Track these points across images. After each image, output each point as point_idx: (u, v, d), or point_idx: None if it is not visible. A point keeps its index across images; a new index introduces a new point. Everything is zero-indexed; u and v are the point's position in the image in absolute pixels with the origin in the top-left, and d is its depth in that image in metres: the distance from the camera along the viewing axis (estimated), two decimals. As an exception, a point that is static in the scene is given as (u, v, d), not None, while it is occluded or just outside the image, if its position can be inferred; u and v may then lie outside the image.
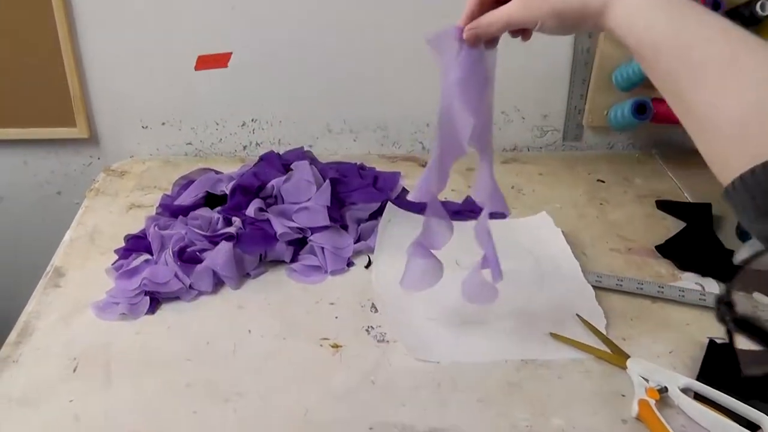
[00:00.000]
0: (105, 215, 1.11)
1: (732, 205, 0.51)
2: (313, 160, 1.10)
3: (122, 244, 1.01)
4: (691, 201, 1.16)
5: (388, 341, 0.85)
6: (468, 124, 0.73)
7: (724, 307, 0.27)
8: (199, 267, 0.93)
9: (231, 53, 1.20)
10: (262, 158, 1.11)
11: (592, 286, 0.94)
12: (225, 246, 0.94)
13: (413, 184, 1.18)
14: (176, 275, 0.91)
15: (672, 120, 1.16)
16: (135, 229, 1.04)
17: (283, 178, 1.02)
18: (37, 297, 0.93)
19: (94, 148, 1.29)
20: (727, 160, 0.51)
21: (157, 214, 1.06)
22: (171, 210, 1.04)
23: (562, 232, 1.05)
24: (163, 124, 1.27)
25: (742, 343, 0.28)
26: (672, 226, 1.09)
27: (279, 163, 1.08)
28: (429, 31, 0.73)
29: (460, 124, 0.74)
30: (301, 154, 1.13)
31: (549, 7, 0.63)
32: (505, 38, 1.15)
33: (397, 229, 1.03)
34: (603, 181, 1.22)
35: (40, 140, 1.27)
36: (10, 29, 1.16)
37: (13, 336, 0.86)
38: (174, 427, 0.74)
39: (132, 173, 1.23)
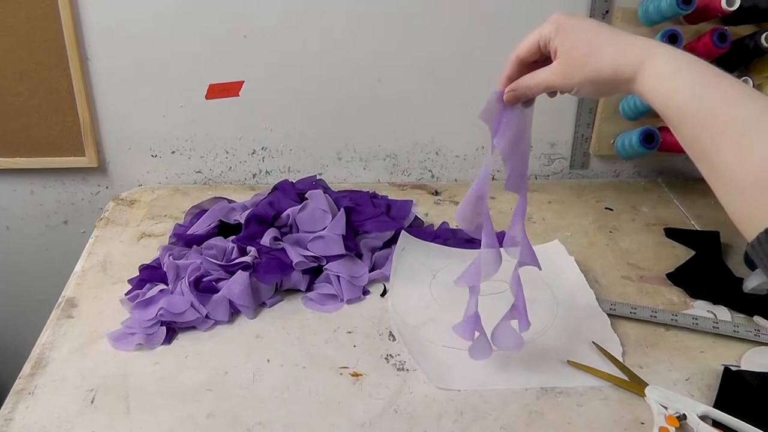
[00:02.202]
0: (116, 245, 1.10)
1: (757, 259, 0.53)
2: (325, 189, 1.10)
3: (135, 273, 1.00)
4: (698, 228, 1.17)
5: (407, 369, 0.85)
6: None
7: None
8: (215, 297, 0.92)
9: (242, 82, 1.21)
10: (276, 187, 1.11)
11: (607, 314, 0.94)
12: (241, 276, 0.94)
13: (424, 212, 1.19)
14: (192, 305, 0.91)
15: (678, 149, 1.18)
16: (147, 258, 1.03)
17: (299, 207, 1.03)
18: (50, 328, 0.92)
19: (101, 177, 1.29)
20: (751, 217, 0.53)
21: (170, 243, 1.06)
22: (185, 239, 1.04)
23: (575, 260, 1.05)
24: (173, 152, 1.27)
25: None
26: (681, 254, 1.10)
27: (293, 191, 1.08)
28: (479, 109, 0.77)
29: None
30: (314, 182, 1.14)
31: (583, 76, 0.67)
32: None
33: (411, 258, 1.04)
34: (611, 209, 1.23)
35: (47, 169, 1.27)
36: (19, 57, 1.17)
37: (27, 368, 0.85)
38: (197, 459, 0.73)
39: (141, 202, 1.23)
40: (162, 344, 0.89)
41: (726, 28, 1.09)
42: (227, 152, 1.27)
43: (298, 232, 1.02)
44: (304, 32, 1.18)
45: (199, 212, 1.10)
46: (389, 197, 1.20)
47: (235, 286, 0.93)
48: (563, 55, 0.69)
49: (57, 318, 0.94)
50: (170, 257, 0.98)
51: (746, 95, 0.56)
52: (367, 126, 1.27)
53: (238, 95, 1.22)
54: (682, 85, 0.60)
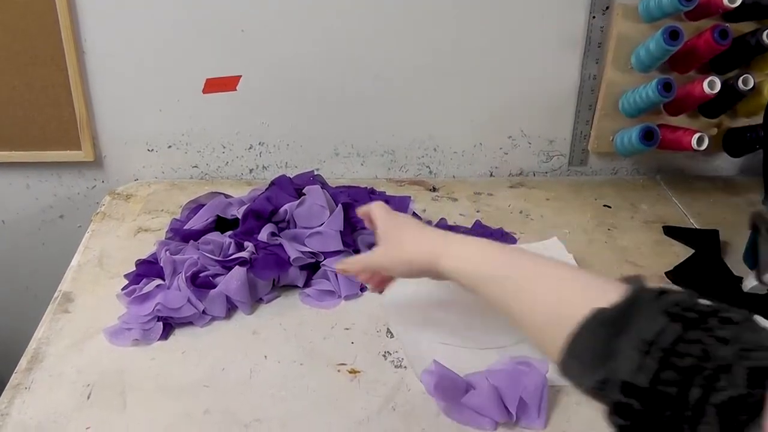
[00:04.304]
0: (112, 239, 1.10)
1: (569, 377, 0.64)
2: (323, 184, 1.09)
3: (131, 268, 1.00)
4: (697, 227, 1.17)
5: (405, 367, 0.85)
6: None
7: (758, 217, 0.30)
8: (212, 292, 0.92)
9: (240, 76, 1.20)
10: (273, 182, 1.10)
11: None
12: (238, 271, 0.93)
13: (422, 208, 1.18)
14: (189, 300, 0.90)
15: (677, 147, 1.18)
16: (143, 253, 1.03)
17: (296, 202, 1.02)
18: (46, 323, 0.92)
19: (97, 171, 1.28)
20: (553, 346, 0.66)
21: (167, 238, 1.05)
22: (182, 234, 1.03)
23: (573, 257, 1.05)
24: (170, 147, 1.26)
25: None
26: (680, 252, 1.10)
27: (291, 187, 1.08)
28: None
29: None
30: (312, 178, 1.13)
31: (393, 258, 0.82)
32: (516, 64, 1.17)
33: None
34: (609, 207, 1.22)
35: (43, 163, 1.26)
36: (15, 50, 1.16)
37: (23, 363, 0.85)
38: (194, 456, 0.73)
39: (138, 196, 1.22)
40: (158, 340, 0.88)
41: (727, 24, 1.08)
42: (224, 147, 1.27)
43: (295, 227, 1.01)
44: (302, 27, 1.17)
45: (196, 207, 1.09)
46: (387, 193, 1.20)
47: (232, 281, 0.92)
48: (380, 239, 0.84)
49: (53, 313, 0.93)
50: (167, 252, 0.97)
51: (529, 260, 0.72)
52: (365, 122, 1.26)
53: (236, 90, 1.22)
54: (479, 261, 0.75)
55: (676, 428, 0.54)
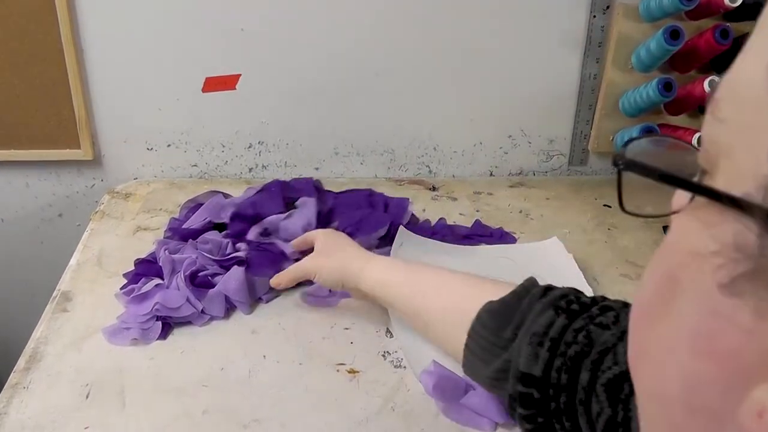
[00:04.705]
0: (111, 238, 1.09)
1: (471, 373, 0.74)
2: (320, 190, 1.09)
3: (130, 267, 0.99)
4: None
5: (404, 367, 0.85)
6: None
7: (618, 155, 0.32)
8: (211, 292, 0.92)
9: (239, 75, 1.20)
10: (264, 188, 1.10)
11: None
12: (237, 271, 0.93)
13: (422, 207, 1.18)
14: (188, 300, 0.90)
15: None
16: (142, 252, 1.02)
17: (283, 216, 1.02)
18: (44, 322, 0.91)
19: (96, 170, 1.28)
20: (456, 350, 0.75)
21: (165, 237, 1.05)
22: (180, 234, 1.03)
23: (573, 257, 1.05)
24: (169, 145, 1.26)
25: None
26: (680, 251, 1.10)
27: (280, 197, 1.07)
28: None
29: None
30: (310, 185, 1.12)
31: (322, 262, 0.89)
32: (516, 63, 1.17)
33: (408, 254, 1.03)
34: (609, 206, 1.22)
35: (42, 161, 1.25)
36: (14, 48, 1.15)
37: (21, 362, 0.85)
38: (192, 456, 0.72)
39: (137, 195, 1.22)
40: (157, 339, 0.88)
41: (728, 24, 1.08)
42: (223, 146, 1.26)
43: (277, 239, 1.02)
44: (301, 26, 1.17)
45: (194, 206, 1.09)
46: (386, 194, 1.20)
47: (231, 281, 0.92)
48: (317, 249, 0.92)
49: (52, 312, 0.93)
50: (166, 251, 0.97)
51: (433, 272, 0.82)
52: (365, 121, 1.26)
53: (235, 89, 1.21)
54: (392, 275, 0.84)
55: (571, 411, 0.60)
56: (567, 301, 0.65)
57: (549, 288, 0.70)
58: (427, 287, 0.80)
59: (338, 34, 1.18)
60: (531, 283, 0.71)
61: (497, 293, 0.72)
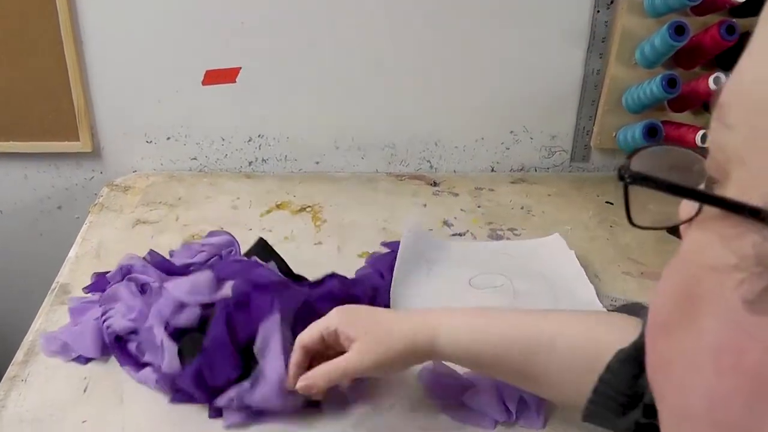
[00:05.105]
0: (110, 231, 1.09)
1: (599, 422, 0.65)
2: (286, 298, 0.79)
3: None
4: (699, 224, 1.16)
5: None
6: None
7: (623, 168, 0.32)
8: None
9: (240, 68, 1.19)
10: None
11: (607, 309, 0.93)
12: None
13: (423, 203, 1.18)
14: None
15: (680, 143, 1.17)
16: (141, 245, 1.01)
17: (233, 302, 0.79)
18: (43, 314, 0.91)
19: (95, 162, 1.27)
20: (575, 399, 0.65)
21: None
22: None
23: (575, 254, 1.04)
24: (168, 138, 1.25)
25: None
26: (682, 249, 1.09)
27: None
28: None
29: None
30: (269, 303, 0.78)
31: (380, 353, 0.68)
32: (518, 58, 1.15)
33: (416, 247, 1.01)
34: (611, 203, 1.21)
35: (41, 154, 1.25)
36: (13, 41, 1.14)
37: (20, 355, 0.84)
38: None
39: (136, 188, 1.21)
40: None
41: (734, 20, 1.07)
42: (223, 139, 1.26)
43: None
44: (302, 19, 1.16)
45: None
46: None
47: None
48: (357, 337, 0.69)
49: (50, 304, 0.92)
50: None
51: (530, 319, 0.69)
52: (366, 115, 1.25)
53: (235, 82, 1.21)
54: (475, 332, 0.68)
55: None
56: None
57: None
58: (527, 342, 0.67)
59: (340, 27, 1.17)
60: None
61: (617, 333, 0.65)
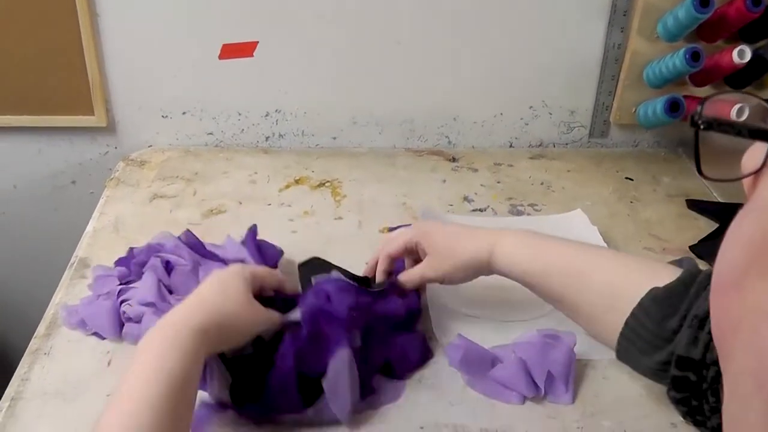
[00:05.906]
0: (127, 205, 1.08)
1: (627, 359, 0.69)
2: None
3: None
4: (720, 200, 1.15)
5: (435, 339, 0.84)
6: None
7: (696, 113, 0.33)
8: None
9: (257, 42, 1.18)
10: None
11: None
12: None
13: (442, 178, 1.17)
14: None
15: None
16: (159, 220, 1.02)
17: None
18: (63, 288, 0.90)
19: (110, 137, 1.26)
20: (611, 333, 0.69)
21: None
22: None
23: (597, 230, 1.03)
24: (184, 113, 1.24)
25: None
26: (704, 225, 1.08)
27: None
28: None
29: None
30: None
31: (449, 266, 0.80)
32: (538, 32, 1.13)
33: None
34: (631, 179, 1.20)
35: (55, 128, 1.24)
36: (28, 13, 1.13)
37: (42, 328, 0.84)
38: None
39: (152, 163, 1.20)
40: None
41: None
42: (240, 114, 1.24)
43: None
44: (321, -9, 1.15)
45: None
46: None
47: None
48: (431, 252, 0.81)
49: (70, 278, 0.92)
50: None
51: (578, 250, 0.76)
52: (384, 90, 1.23)
53: (252, 56, 1.19)
54: (531, 254, 0.76)
55: (716, 384, 0.58)
56: None
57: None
58: (571, 270, 0.73)
59: (358, 1, 1.15)
60: (696, 269, 0.67)
61: (653, 275, 0.67)
